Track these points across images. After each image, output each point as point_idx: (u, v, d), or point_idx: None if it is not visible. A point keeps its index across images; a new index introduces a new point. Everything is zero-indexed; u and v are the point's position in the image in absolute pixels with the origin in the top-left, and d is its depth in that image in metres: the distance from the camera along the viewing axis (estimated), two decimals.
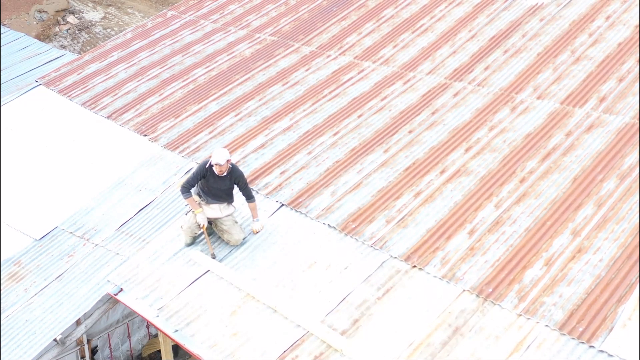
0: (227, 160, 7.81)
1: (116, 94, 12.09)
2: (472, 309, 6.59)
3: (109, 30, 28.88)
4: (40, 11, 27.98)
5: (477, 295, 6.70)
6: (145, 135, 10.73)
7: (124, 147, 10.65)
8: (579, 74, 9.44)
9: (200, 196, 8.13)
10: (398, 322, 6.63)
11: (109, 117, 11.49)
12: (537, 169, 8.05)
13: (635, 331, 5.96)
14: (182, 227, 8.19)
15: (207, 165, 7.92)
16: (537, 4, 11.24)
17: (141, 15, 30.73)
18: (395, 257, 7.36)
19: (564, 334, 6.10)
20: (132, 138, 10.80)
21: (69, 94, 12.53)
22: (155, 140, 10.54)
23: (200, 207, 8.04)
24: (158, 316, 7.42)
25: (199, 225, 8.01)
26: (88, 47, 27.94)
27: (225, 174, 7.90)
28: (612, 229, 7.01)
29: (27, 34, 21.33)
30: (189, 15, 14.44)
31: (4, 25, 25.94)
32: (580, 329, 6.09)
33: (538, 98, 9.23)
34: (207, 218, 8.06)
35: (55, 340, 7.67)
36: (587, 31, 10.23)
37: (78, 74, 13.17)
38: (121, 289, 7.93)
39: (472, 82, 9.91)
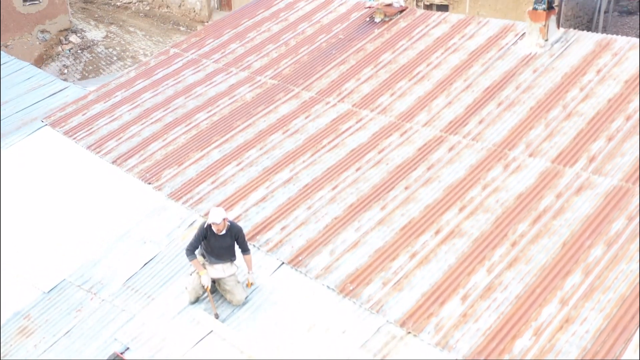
0: (224, 219, 8.20)
1: (120, 138, 12.41)
2: None
3: (110, 49, 29.21)
4: (43, 31, 28.33)
5: None
6: (149, 184, 11.04)
7: (129, 195, 10.96)
8: (570, 130, 9.75)
9: (204, 257, 8.49)
10: None
11: (114, 162, 11.80)
12: (527, 232, 8.36)
13: None
14: (186, 288, 8.53)
15: (205, 226, 8.31)
16: (530, 53, 11.54)
17: (142, 33, 31.08)
18: (391, 322, 7.68)
19: None
20: (137, 186, 11.11)
21: (75, 136, 12.85)
22: (159, 189, 10.85)
23: (204, 268, 8.39)
24: None
25: (203, 286, 8.35)
26: (90, 67, 28.31)
27: (224, 231, 8.29)
28: (599, 298, 7.32)
29: (31, 63, 21.66)
30: (191, 54, 14.76)
31: (7, 47, 26.29)
32: None
33: (530, 155, 9.53)
34: (211, 278, 8.41)
35: None
36: (579, 85, 10.53)
37: (83, 115, 13.50)
38: (127, 348, 8.25)
39: (466, 136, 10.21)
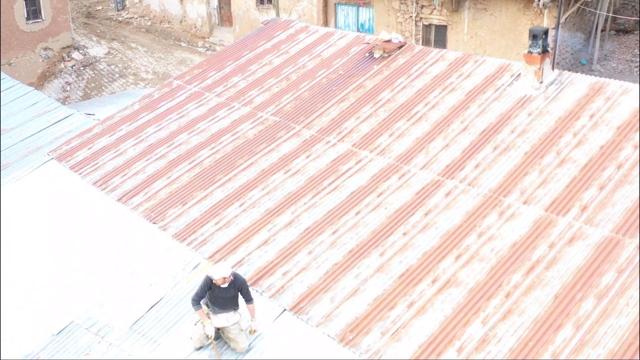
0: (225, 277, 8.53)
1: (125, 174, 12.71)
2: None
3: (112, 66, 29.52)
4: (45, 49, 28.64)
5: None
6: (154, 223, 11.33)
7: (135, 235, 11.25)
8: (563, 178, 10.04)
9: (208, 306, 8.79)
10: None
11: (119, 199, 12.10)
12: (521, 284, 8.66)
13: None
14: (191, 338, 8.83)
15: (210, 278, 8.63)
16: (525, 95, 11.84)
17: (144, 50, 31.38)
18: None
19: None
20: (142, 225, 11.41)
21: (80, 171, 13.15)
22: (164, 229, 11.15)
23: (209, 317, 8.69)
24: None
25: (208, 336, 8.65)
26: (92, 84, 28.62)
27: (227, 284, 8.60)
28: (589, 353, 7.62)
29: (34, 82, 21.95)
30: (194, 87, 15.06)
31: (10, 65, 26.60)
32: None
33: (524, 203, 9.83)
34: (215, 327, 8.71)
35: None
36: (572, 130, 10.83)
37: (88, 149, 13.80)
38: None
39: (463, 181, 10.51)
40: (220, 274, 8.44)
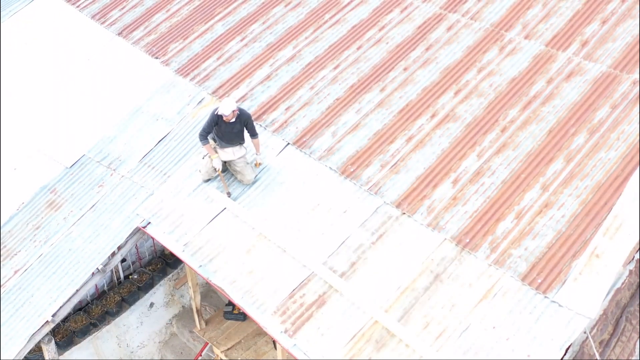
0: (233, 111, 8.75)
1: (124, 8, 12.51)
2: (451, 258, 7.82)
3: None
4: None
5: (456, 245, 7.90)
6: (156, 58, 11.37)
7: (137, 70, 11.34)
8: (567, 11, 9.97)
9: (215, 140, 9.11)
10: (389, 267, 7.89)
11: (119, 34, 12.03)
12: (517, 118, 8.93)
13: (584, 285, 7.22)
14: (200, 171, 9.24)
15: (216, 113, 8.86)
16: None
17: None
18: (388, 204, 8.48)
19: (525, 285, 7.38)
20: (144, 60, 11.45)
21: (77, 3, 12.92)
22: (166, 64, 11.22)
23: (216, 152, 9.05)
24: (184, 251, 8.68)
25: (215, 169, 9.06)
26: None
27: (234, 119, 8.86)
28: (577, 185, 8.07)
29: None
30: None
31: None
32: (539, 281, 7.36)
33: (525, 37, 9.84)
34: (222, 160, 9.10)
35: (97, 268, 8.98)
36: None
37: None
38: (149, 223, 9.13)
39: (465, 15, 10.43)
40: (230, 108, 8.64)
